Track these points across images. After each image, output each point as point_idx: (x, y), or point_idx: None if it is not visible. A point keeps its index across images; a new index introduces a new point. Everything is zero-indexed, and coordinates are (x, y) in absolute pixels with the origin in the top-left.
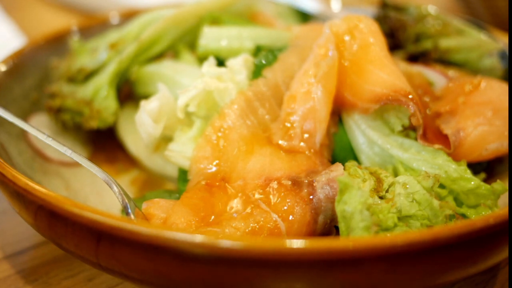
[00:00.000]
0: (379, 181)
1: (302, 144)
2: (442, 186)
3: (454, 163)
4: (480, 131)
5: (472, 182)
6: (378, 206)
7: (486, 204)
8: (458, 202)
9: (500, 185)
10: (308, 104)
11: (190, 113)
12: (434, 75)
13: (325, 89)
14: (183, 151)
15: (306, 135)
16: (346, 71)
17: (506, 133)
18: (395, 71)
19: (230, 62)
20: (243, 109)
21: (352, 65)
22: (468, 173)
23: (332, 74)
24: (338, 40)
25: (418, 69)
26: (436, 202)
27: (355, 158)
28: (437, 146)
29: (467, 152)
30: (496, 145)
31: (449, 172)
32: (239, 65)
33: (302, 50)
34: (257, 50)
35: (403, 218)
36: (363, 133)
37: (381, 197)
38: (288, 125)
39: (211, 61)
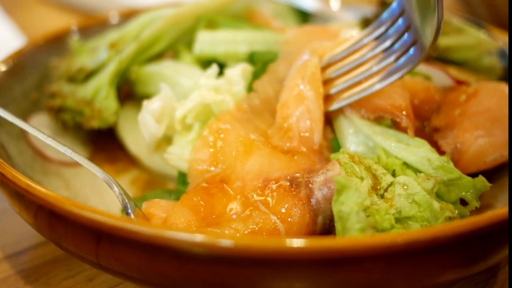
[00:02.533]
0: (375, 177)
1: (300, 145)
2: None
3: (437, 154)
4: (478, 145)
5: (454, 172)
6: (376, 206)
7: (466, 198)
8: (439, 197)
9: (481, 181)
10: (301, 106)
11: None
12: (436, 73)
13: (314, 90)
14: (182, 154)
15: (304, 135)
16: None
17: (506, 142)
18: (398, 87)
19: (228, 73)
20: (239, 117)
21: None
22: (451, 164)
23: (317, 76)
24: None
25: (421, 70)
26: (436, 204)
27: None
28: None
29: (465, 166)
30: (495, 156)
31: (431, 160)
32: (237, 76)
33: (292, 59)
34: (251, 56)
35: (402, 220)
36: (350, 121)
37: (379, 196)
38: (285, 128)
39: (213, 70)
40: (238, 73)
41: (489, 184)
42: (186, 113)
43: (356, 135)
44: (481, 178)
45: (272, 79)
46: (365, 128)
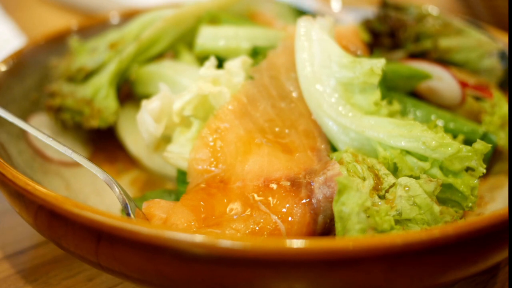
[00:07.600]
0: (377, 178)
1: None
2: (424, 158)
3: (431, 132)
4: None
5: (452, 146)
6: (376, 207)
7: (471, 166)
8: (444, 170)
9: (481, 144)
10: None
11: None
12: (437, 71)
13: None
14: (181, 152)
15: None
16: None
17: None
18: None
19: (228, 64)
20: (238, 112)
21: None
22: (447, 139)
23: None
24: None
25: (420, 66)
26: (436, 208)
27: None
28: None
29: None
30: None
31: (427, 142)
32: (237, 67)
33: (292, 48)
34: (254, 51)
35: (402, 221)
36: (335, 121)
37: (380, 196)
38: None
39: (211, 62)
40: (238, 64)
41: (489, 145)
42: (184, 105)
43: (346, 134)
44: (479, 142)
45: (270, 65)
46: (351, 123)
